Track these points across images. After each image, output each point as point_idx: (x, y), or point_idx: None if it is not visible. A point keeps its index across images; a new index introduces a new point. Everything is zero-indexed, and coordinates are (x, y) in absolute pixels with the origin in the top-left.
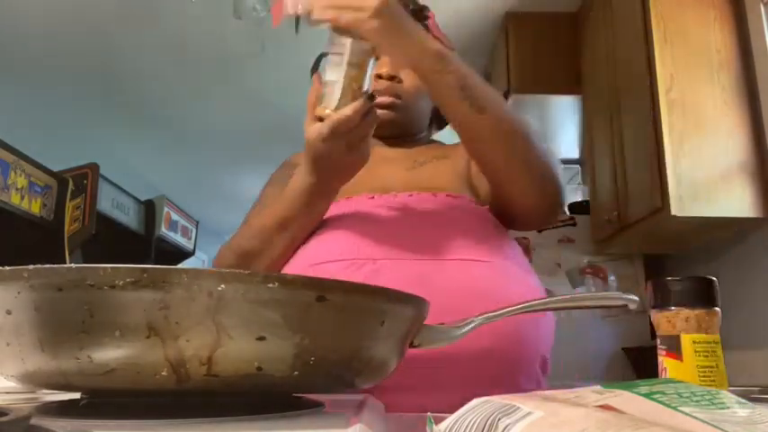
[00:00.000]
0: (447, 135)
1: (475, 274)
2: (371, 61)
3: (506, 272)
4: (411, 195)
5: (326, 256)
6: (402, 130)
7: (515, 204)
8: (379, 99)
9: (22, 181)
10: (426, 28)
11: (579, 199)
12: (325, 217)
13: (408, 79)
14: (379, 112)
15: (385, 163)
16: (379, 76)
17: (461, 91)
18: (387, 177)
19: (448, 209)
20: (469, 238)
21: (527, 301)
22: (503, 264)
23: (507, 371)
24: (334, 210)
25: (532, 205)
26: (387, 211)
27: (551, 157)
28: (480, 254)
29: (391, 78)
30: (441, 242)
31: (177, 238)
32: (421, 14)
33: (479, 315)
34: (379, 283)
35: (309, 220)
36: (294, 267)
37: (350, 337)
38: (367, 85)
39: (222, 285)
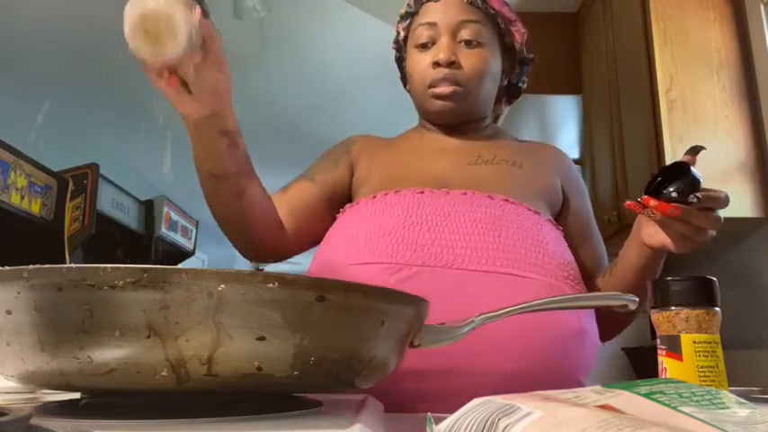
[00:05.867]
0: None
1: (510, 290)
2: None
3: (548, 290)
4: (465, 194)
5: (363, 257)
6: (463, 117)
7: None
8: (439, 89)
9: (22, 181)
10: (485, 1)
11: None
12: (373, 210)
13: (468, 62)
14: (440, 103)
15: (443, 154)
16: (437, 63)
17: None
18: (443, 170)
19: (502, 214)
20: (517, 249)
21: (527, 302)
22: (546, 281)
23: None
24: (383, 203)
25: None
26: (434, 211)
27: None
28: (531, 270)
29: (450, 64)
30: (484, 251)
31: (177, 238)
32: None
33: (479, 315)
34: (412, 290)
35: (218, 157)
36: (336, 265)
37: (350, 337)
38: None
39: (222, 285)
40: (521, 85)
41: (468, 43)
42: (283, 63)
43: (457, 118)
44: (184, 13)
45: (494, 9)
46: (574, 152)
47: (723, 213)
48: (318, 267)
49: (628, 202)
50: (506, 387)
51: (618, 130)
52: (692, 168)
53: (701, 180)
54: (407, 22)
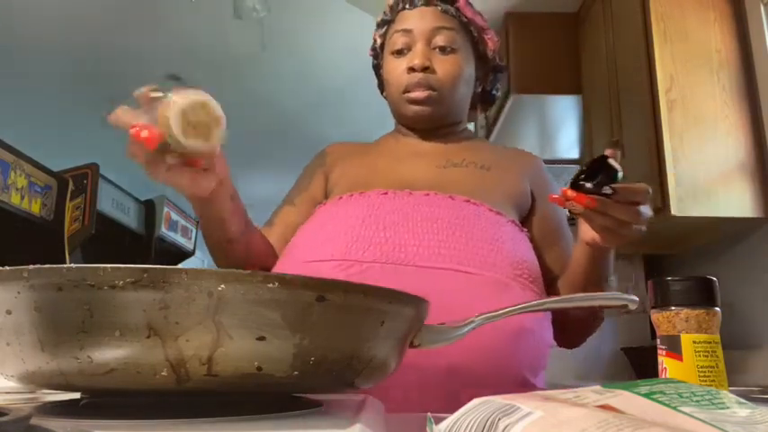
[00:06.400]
0: None
1: (457, 286)
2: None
3: (497, 287)
4: (427, 195)
5: (320, 255)
6: (438, 122)
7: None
8: (414, 94)
9: (22, 181)
10: (458, 9)
11: None
12: (336, 210)
13: (442, 68)
14: (415, 108)
15: (414, 157)
16: (411, 69)
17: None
18: (411, 173)
19: (460, 213)
20: (468, 247)
21: (527, 302)
22: (495, 278)
23: (476, 385)
24: (346, 203)
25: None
26: (393, 211)
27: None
28: (473, 265)
29: (424, 69)
30: (436, 249)
31: (177, 238)
32: None
33: (479, 315)
34: None
35: (220, 224)
36: (289, 263)
37: (350, 337)
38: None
39: (222, 285)
40: (494, 92)
41: (443, 49)
42: (283, 63)
43: (432, 122)
44: (210, 97)
45: (466, 17)
46: (574, 152)
47: (724, 213)
48: (280, 265)
49: (552, 195)
50: (449, 381)
51: (618, 130)
52: (611, 161)
53: (620, 173)
54: (384, 29)
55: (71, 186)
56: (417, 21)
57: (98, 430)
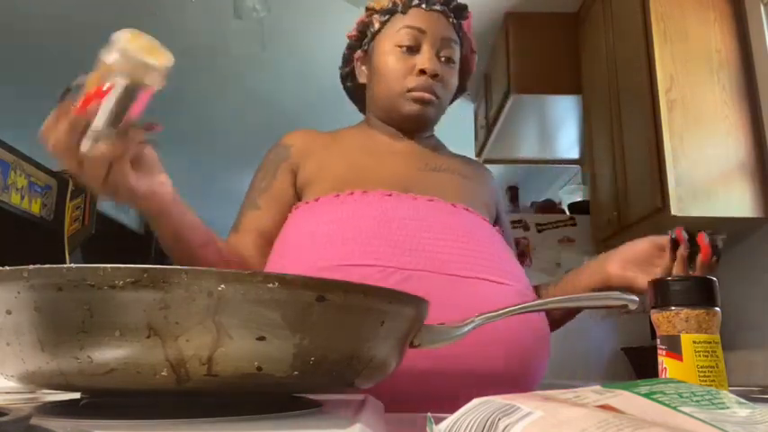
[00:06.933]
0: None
1: (497, 296)
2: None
3: (520, 297)
4: (431, 200)
5: (354, 258)
6: (425, 125)
7: None
8: (420, 94)
9: (22, 181)
10: (460, 27)
11: (579, 199)
12: (343, 209)
13: (445, 78)
14: (417, 107)
15: (392, 156)
16: (422, 71)
17: None
18: (400, 174)
19: (467, 223)
20: (493, 258)
21: (527, 302)
22: (524, 292)
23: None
24: (352, 202)
25: None
26: (410, 216)
27: None
28: (505, 277)
29: (434, 76)
30: (463, 257)
31: None
32: (460, 13)
33: (479, 315)
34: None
35: (178, 231)
36: (320, 265)
37: (350, 337)
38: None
39: (222, 285)
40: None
41: (447, 61)
42: (283, 63)
43: (422, 124)
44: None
45: (465, 36)
46: (574, 152)
47: (724, 213)
48: (288, 267)
49: (679, 232)
50: (493, 390)
51: (618, 130)
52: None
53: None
54: (387, 17)
55: (71, 186)
56: (432, 24)
57: (98, 430)
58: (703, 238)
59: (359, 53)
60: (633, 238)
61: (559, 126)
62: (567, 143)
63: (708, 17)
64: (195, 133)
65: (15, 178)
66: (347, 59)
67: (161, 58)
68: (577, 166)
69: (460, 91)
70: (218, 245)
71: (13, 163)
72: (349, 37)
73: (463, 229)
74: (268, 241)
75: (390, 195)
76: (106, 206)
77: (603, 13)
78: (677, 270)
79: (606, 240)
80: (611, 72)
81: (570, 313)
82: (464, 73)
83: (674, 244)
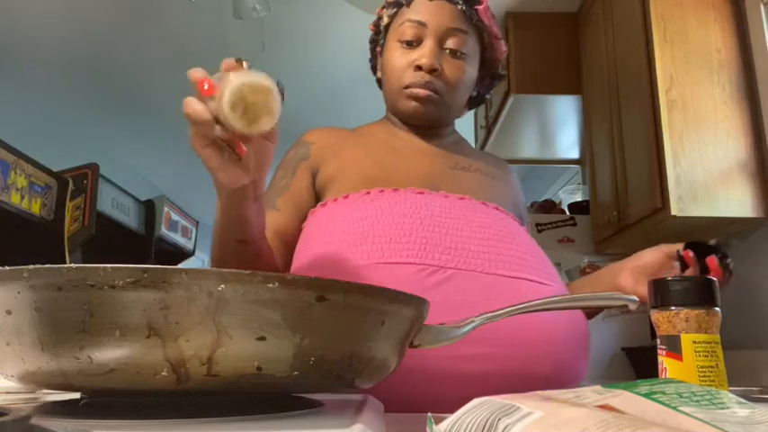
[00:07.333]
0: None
1: (538, 296)
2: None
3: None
4: (463, 199)
5: (395, 256)
6: (432, 122)
7: None
8: (415, 90)
9: (22, 181)
10: (477, 13)
11: (579, 199)
12: (376, 206)
13: (449, 72)
14: (414, 104)
15: (419, 155)
16: (419, 67)
17: None
18: (429, 173)
19: (501, 222)
20: (530, 257)
21: (527, 302)
22: (563, 291)
23: None
24: (384, 199)
25: None
26: (444, 213)
27: None
28: (544, 277)
29: (432, 71)
30: (501, 257)
31: (177, 238)
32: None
33: (479, 315)
34: (450, 292)
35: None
36: (359, 263)
37: (350, 337)
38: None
39: (222, 285)
40: (487, 96)
41: (453, 53)
42: (283, 63)
43: (426, 121)
44: (276, 90)
45: (484, 23)
46: (574, 152)
47: (724, 213)
48: (321, 264)
49: (687, 253)
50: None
51: (618, 130)
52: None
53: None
54: (394, 10)
55: (71, 186)
56: (434, 15)
57: (98, 430)
58: (713, 261)
59: (378, 48)
60: (633, 238)
61: (559, 126)
62: (567, 143)
63: (708, 17)
64: None
65: (15, 178)
66: (372, 53)
67: (255, 124)
68: (577, 166)
69: (497, 78)
70: (262, 244)
71: (13, 163)
72: (371, 29)
73: (498, 228)
74: (284, 243)
75: (422, 194)
76: (106, 206)
77: (603, 13)
78: None
79: (606, 240)
80: (611, 72)
81: (588, 315)
82: (493, 60)
83: (683, 262)
